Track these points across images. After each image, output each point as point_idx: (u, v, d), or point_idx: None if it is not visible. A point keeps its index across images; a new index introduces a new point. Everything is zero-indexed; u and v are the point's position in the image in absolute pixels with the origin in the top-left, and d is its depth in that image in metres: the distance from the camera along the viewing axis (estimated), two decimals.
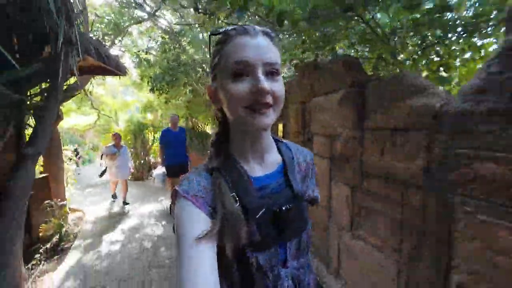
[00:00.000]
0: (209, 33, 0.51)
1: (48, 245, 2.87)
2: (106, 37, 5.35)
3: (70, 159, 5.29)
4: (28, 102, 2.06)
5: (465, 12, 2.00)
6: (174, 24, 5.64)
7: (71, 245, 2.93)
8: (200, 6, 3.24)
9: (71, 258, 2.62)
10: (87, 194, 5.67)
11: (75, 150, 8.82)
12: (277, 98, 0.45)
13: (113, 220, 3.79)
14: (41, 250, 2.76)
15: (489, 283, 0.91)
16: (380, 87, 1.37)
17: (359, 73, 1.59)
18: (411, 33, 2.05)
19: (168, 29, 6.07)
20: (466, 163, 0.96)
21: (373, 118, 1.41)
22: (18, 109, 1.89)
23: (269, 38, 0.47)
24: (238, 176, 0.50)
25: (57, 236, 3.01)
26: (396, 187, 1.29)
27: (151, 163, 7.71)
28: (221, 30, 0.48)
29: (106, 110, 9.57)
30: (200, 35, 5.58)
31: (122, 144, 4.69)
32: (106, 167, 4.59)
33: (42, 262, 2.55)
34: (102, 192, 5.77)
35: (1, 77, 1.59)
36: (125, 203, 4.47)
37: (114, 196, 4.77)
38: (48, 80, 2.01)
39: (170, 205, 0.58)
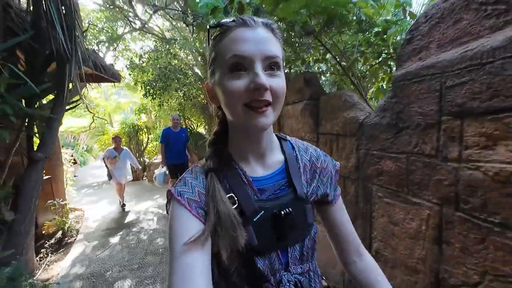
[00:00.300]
0: (207, 26, 0.48)
1: (52, 241, 3.17)
2: (100, 44, 5.59)
3: (72, 161, 5.49)
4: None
5: None
6: (166, 30, 5.90)
7: (74, 239, 3.23)
8: (189, 19, 3.54)
9: (76, 250, 2.93)
10: (84, 194, 5.93)
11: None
12: (276, 95, 0.43)
13: (112, 217, 4.09)
14: (46, 245, 3.06)
15: (390, 246, 1.27)
16: (328, 101, 1.72)
17: (316, 87, 1.94)
18: (370, 49, 2.41)
19: (160, 35, 6.34)
20: (376, 161, 1.32)
21: (324, 125, 1.77)
22: (29, 119, 2.18)
23: (270, 30, 0.45)
24: (236, 178, 0.48)
25: (61, 232, 3.31)
26: (340, 181, 1.65)
27: (146, 163, 7.97)
28: (219, 23, 0.45)
29: (100, 112, 9.76)
30: (191, 39, 5.87)
31: (123, 147, 4.61)
32: (108, 171, 4.41)
33: (49, 254, 2.85)
34: (98, 193, 6.04)
35: (15, 93, 1.89)
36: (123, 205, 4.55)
37: (123, 206, 4.51)
38: (55, 92, 2.30)
39: (166, 204, 0.65)
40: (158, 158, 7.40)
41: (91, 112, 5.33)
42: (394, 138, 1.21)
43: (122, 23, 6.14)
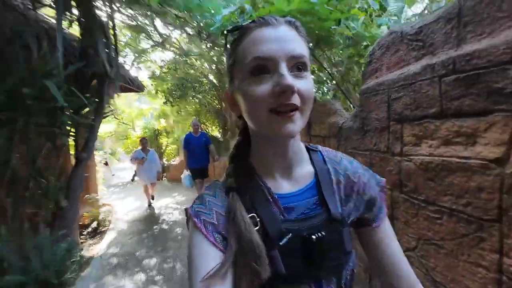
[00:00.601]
0: (224, 31, 0.45)
1: (89, 229, 3.72)
2: (125, 57, 6.28)
3: (103, 162, 6.15)
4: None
5: None
6: (184, 43, 6.46)
7: (107, 228, 3.77)
8: (203, 35, 4.00)
9: (109, 236, 3.45)
10: (112, 192, 6.59)
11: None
12: (304, 98, 0.38)
13: (137, 211, 4.63)
14: (84, 233, 3.61)
15: None
16: (317, 108, 2.05)
17: None
18: (362, 60, 2.70)
19: (178, 47, 6.93)
20: None
21: (314, 128, 2.09)
22: (76, 127, 2.70)
23: (294, 28, 0.41)
24: (259, 195, 0.44)
25: (95, 223, 3.86)
26: None
27: (165, 165, 8.60)
28: (237, 26, 0.42)
29: (124, 118, 10.62)
30: (206, 50, 6.37)
31: (149, 148, 4.91)
32: (135, 171, 4.76)
33: (88, 240, 3.38)
34: (124, 191, 6.69)
35: (69, 105, 2.40)
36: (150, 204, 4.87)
37: (150, 206, 4.75)
38: (95, 104, 2.82)
39: (187, 221, 0.47)
40: (177, 160, 7.97)
41: (117, 119, 5.96)
42: (362, 138, 1.51)
43: (144, 37, 6.80)
